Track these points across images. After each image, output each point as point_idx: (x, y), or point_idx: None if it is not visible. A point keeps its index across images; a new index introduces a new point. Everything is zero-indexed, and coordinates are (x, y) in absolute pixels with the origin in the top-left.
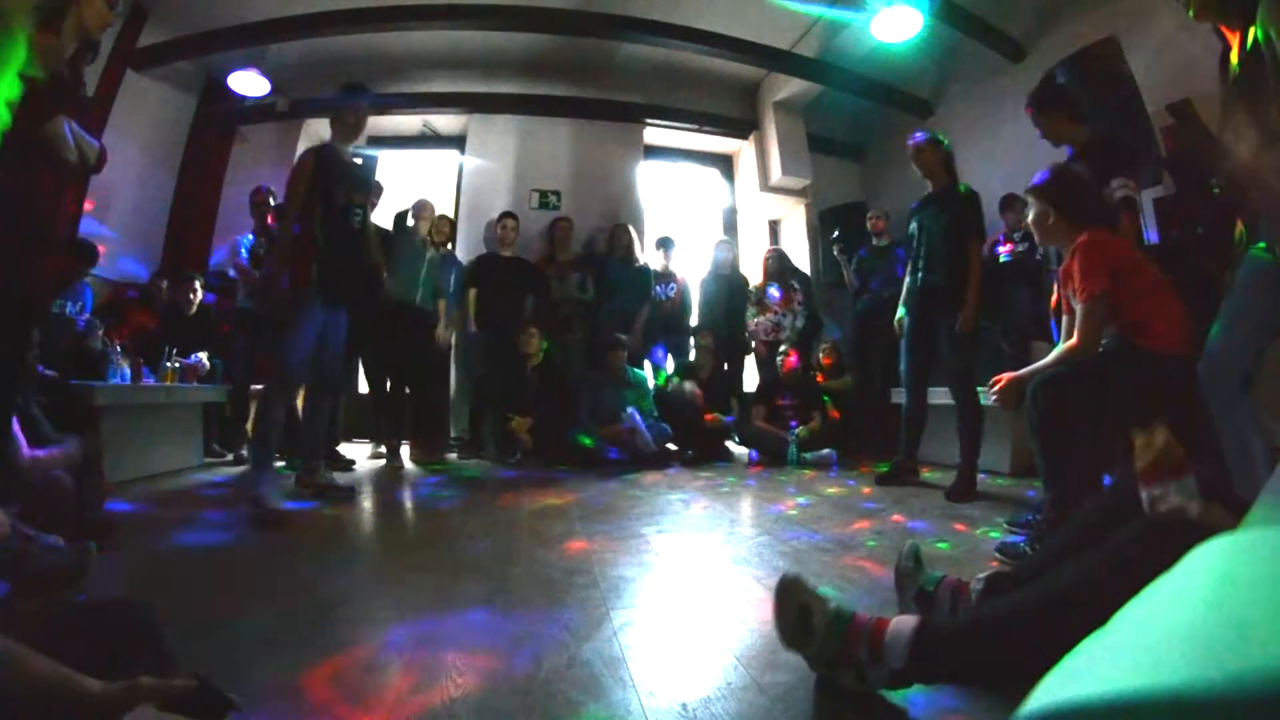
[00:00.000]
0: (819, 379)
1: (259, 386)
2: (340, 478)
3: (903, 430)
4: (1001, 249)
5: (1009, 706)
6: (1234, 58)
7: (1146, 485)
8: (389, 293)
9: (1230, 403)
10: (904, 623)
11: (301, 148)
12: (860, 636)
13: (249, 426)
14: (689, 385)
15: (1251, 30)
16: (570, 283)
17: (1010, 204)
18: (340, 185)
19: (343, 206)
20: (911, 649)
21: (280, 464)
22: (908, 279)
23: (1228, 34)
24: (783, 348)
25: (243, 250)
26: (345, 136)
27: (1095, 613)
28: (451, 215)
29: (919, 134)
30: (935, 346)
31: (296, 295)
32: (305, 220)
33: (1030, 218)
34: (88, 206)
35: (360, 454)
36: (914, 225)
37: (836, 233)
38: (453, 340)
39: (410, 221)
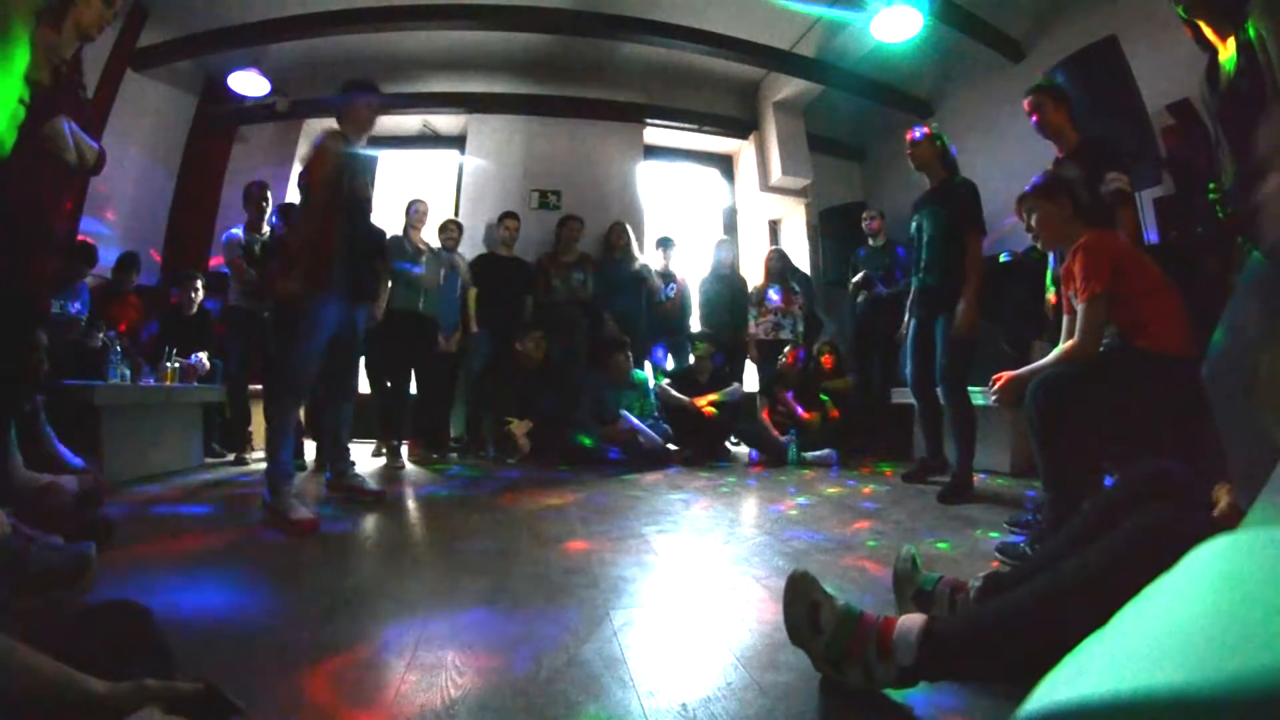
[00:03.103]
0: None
1: (257, 386)
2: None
3: (922, 432)
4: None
5: (1009, 706)
6: (1224, 59)
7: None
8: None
9: (1233, 405)
10: (911, 620)
11: (302, 148)
12: (868, 635)
13: (250, 430)
14: (675, 393)
15: (1241, 34)
16: (571, 280)
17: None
18: (360, 176)
19: (364, 199)
20: (920, 646)
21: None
22: (912, 281)
23: (1215, 39)
24: (786, 348)
25: (235, 234)
26: (356, 133)
27: (1098, 606)
28: (454, 216)
29: (917, 129)
30: (934, 347)
31: (311, 295)
32: (327, 211)
33: (1031, 224)
34: (87, 207)
35: (360, 454)
36: (913, 225)
37: (858, 276)
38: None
39: (402, 229)
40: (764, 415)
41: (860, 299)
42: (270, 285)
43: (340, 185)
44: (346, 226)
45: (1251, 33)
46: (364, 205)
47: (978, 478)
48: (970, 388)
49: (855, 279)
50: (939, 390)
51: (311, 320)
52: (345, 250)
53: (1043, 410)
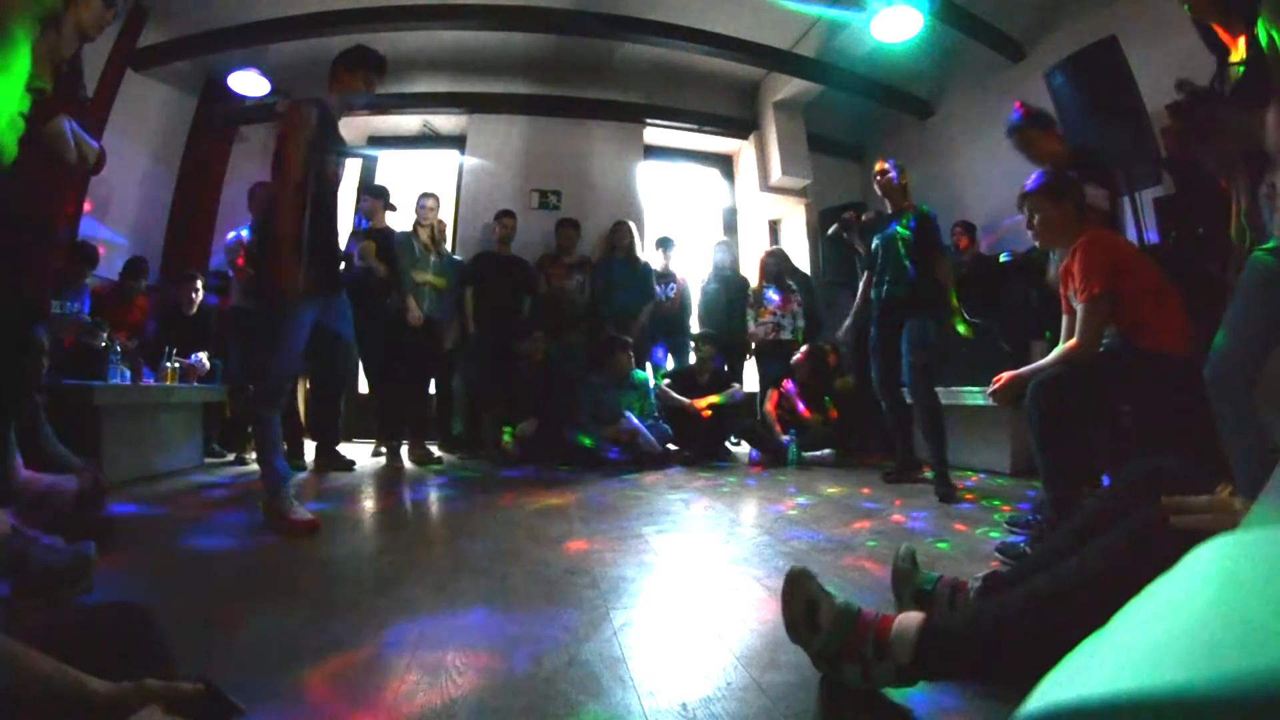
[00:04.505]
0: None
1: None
2: (340, 477)
3: (893, 433)
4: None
5: (1009, 706)
6: (1235, 57)
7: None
8: (392, 306)
9: (1235, 405)
10: (909, 619)
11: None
12: (866, 632)
13: (250, 430)
14: (674, 394)
15: (1252, 34)
16: (570, 284)
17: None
18: (333, 154)
19: (334, 181)
20: (917, 645)
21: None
22: (872, 294)
23: (1226, 38)
24: (803, 347)
25: (239, 234)
26: (345, 103)
27: (1096, 605)
28: (450, 215)
29: (890, 161)
30: (898, 352)
31: (283, 296)
32: (300, 194)
33: (1030, 222)
34: (87, 207)
35: (361, 454)
36: (876, 243)
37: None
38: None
39: (410, 226)
40: (770, 404)
41: (837, 232)
42: (265, 283)
43: (310, 162)
44: (320, 212)
45: (1262, 33)
46: (333, 188)
47: (978, 477)
48: (969, 388)
49: (832, 228)
50: (909, 386)
51: (292, 324)
52: (317, 240)
53: (1043, 410)
